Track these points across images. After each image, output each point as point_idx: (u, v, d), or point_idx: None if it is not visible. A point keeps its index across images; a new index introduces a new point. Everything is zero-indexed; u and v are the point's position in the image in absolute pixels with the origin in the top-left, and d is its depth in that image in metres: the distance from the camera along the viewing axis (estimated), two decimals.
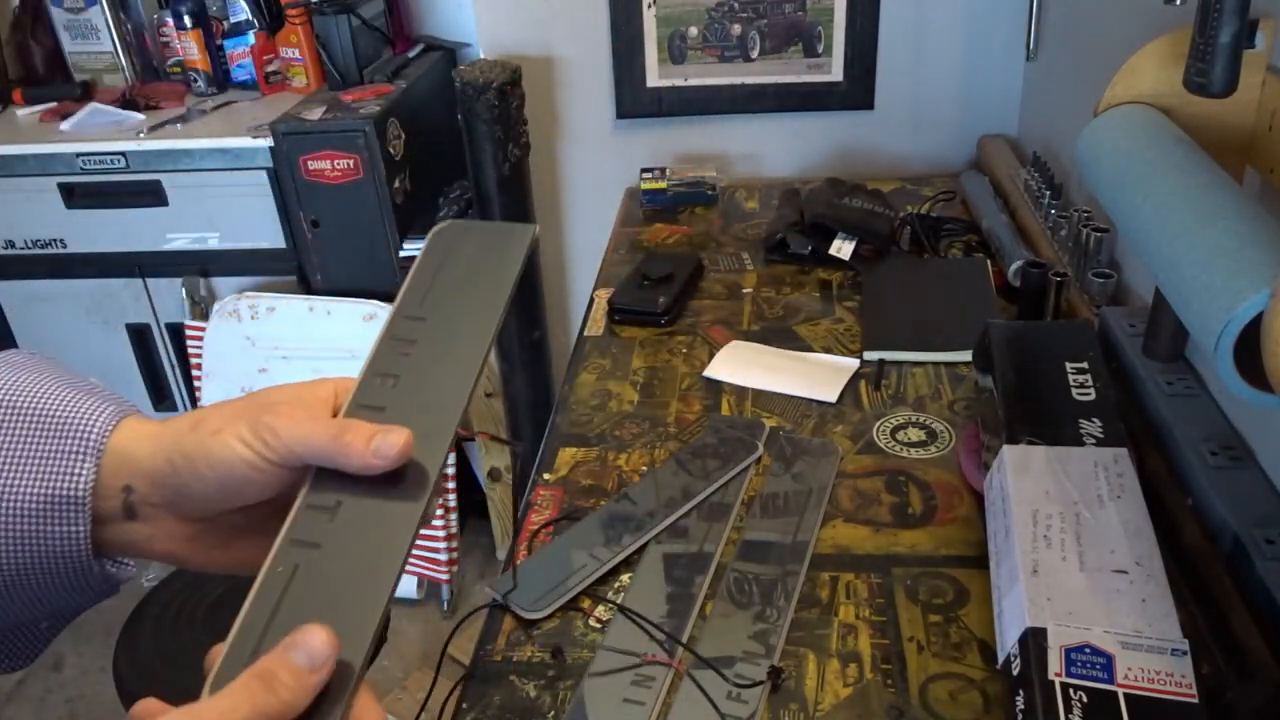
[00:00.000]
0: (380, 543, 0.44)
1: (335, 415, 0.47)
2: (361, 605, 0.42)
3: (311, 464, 0.46)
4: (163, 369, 2.25)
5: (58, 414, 0.45)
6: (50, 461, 0.44)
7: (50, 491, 0.44)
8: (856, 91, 1.71)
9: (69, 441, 0.45)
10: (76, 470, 0.44)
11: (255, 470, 0.45)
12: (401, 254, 1.93)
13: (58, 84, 2.23)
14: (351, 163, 1.84)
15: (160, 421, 0.47)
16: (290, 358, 2.00)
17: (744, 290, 1.33)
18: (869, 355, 1.15)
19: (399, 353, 0.51)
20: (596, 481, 0.98)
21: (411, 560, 2.10)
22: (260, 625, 0.42)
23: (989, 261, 1.32)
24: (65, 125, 1.99)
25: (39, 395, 0.46)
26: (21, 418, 0.45)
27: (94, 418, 0.46)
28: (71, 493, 0.44)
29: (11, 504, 0.44)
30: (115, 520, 0.46)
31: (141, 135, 1.93)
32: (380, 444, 0.45)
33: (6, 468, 0.44)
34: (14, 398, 0.45)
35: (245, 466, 0.45)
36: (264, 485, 0.46)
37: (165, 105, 2.10)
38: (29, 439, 0.45)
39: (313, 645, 0.39)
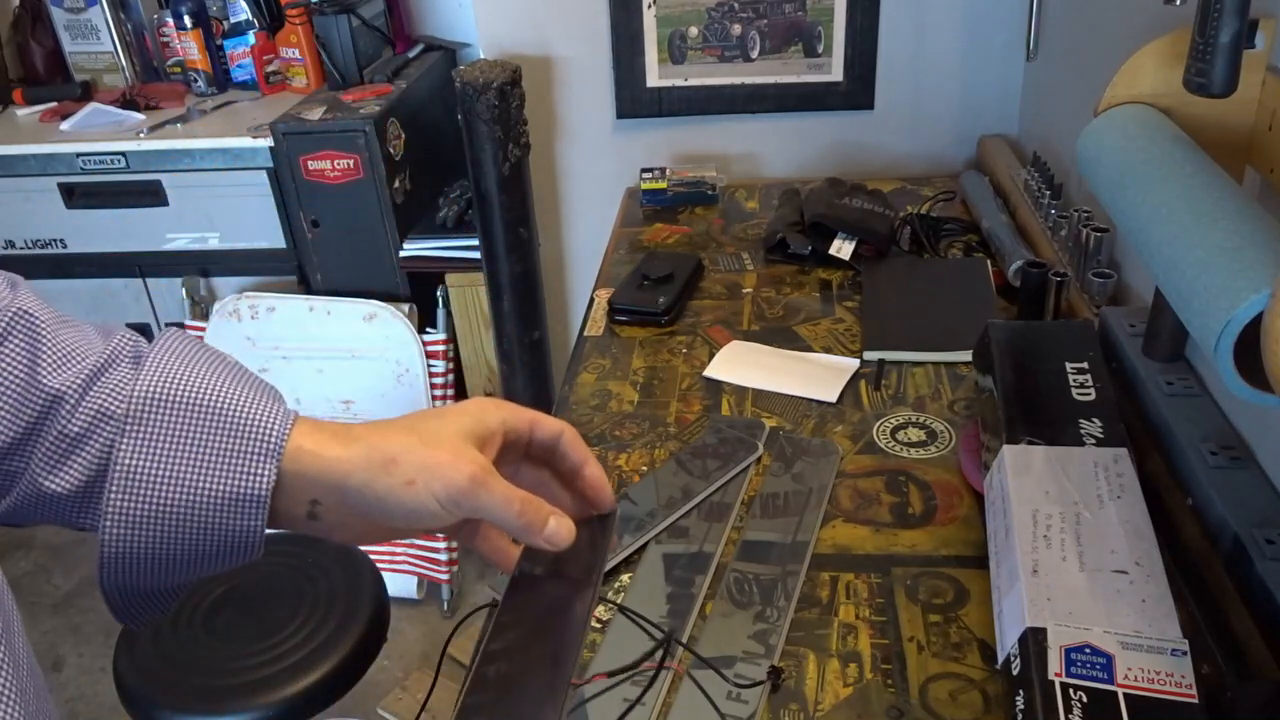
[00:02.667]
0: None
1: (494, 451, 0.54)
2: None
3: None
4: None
5: (237, 413, 0.48)
6: (232, 459, 0.48)
7: (236, 490, 0.47)
8: (856, 91, 1.71)
9: (251, 443, 0.48)
10: (259, 471, 0.48)
11: (440, 518, 0.50)
12: (401, 254, 1.93)
13: (58, 84, 2.23)
14: (351, 163, 1.84)
15: (338, 436, 0.50)
16: (290, 358, 2.00)
17: (744, 290, 1.33)
18: (869, 355, 1.15)
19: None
20: None
21: (411, 560, 2.10)
22: None
23: (989, 261, 1.32)
24: (65, 125, 1.99)
25: (215, 392, 0.49)
26: (204, 415, 0.48)
27: (272, 420, 0.49)
28: (255, 492, 0.48)
29: (201, 498, 0.47)
30: (298, 521, 0.51)
31: (141, 135, 1.93)
32: (552, 533, 0.52)
33: (196, 464, 0.47)
34: (193, 394, 0.48)
35: (432, 517, 0.50)
36: (446, 522, 0.51)
37: (165, 105, 2.10)
38: (214, 438, 0.48)
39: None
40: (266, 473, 0.48)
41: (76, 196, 1.98)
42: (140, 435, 0.47)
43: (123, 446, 0.46)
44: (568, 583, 0.55)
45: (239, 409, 0.48)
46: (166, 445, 0.47)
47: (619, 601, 0.83)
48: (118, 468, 0.46)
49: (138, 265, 2.05)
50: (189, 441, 0.47)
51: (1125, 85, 0.88)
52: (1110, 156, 0.85)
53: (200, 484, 0.47)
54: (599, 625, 0.81)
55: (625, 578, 0.86)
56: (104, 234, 2.01)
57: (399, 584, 2.11)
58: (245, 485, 0.47)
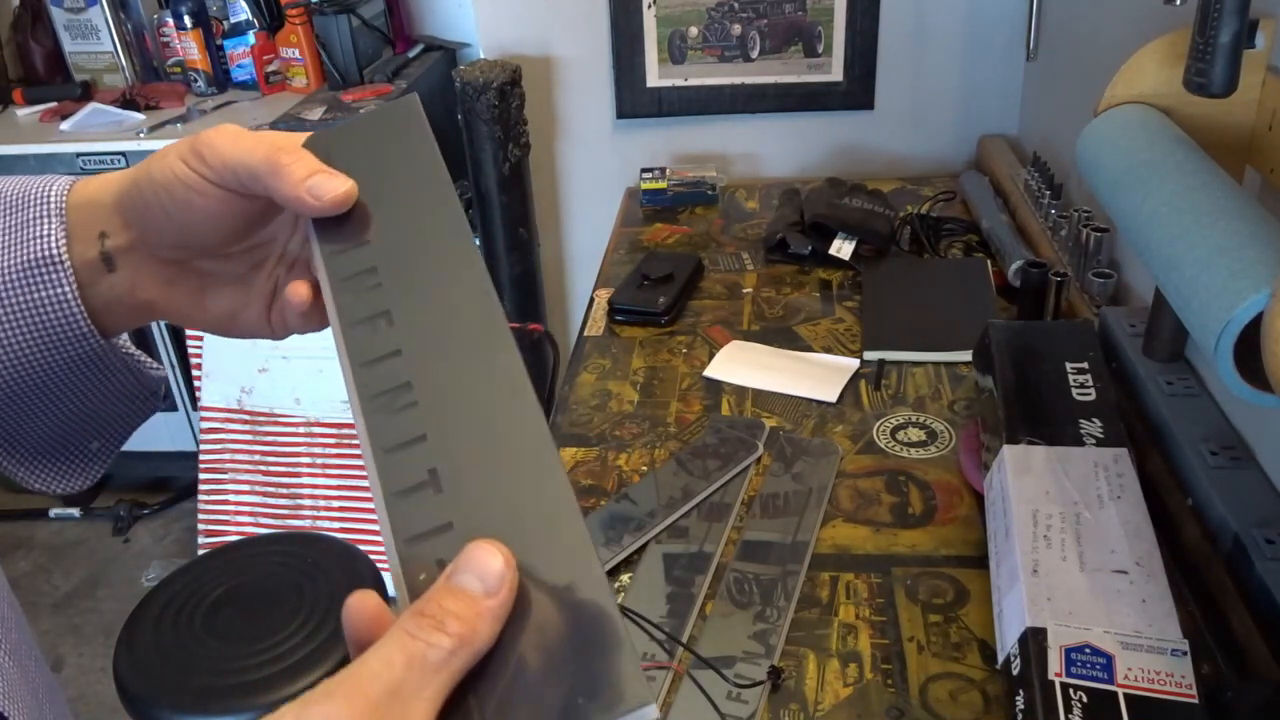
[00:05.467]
0: (503, 414, 0.36)
1: None
2: (533, 494, 0.34)
3: (251, 190, 0.43)
4: (163, 369, 2.25)
5: (10, 194, 0.45)
6: (16, 233, 0.44)
7: (25, 258, 0.44)
8: (856, 91, 1.71)
9: (29, 211, 0.44)
10: (44, 232, 0.44)
11: (195, 192, 0.43)
12: None
13: (58, 84, 2.23)
14: None
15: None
16: (290, 358, 2.00)
17: (744, 290, 1.33)
18: (869, 355, 1.15)
19: (366, 288, 0.41)
20: (596, 481, 0.98)
21: None
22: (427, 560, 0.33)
23: (989, 261, 1.32)
24: (65, 125, 1.99)
25: None
26: None
27: (48, 186, 0.45)
28: (46, 253, 0.44)
29: None
30: (98, 276, 0.46)
31: (141, 135, 1.93)
32: (315, 183, 0.42)
33: None
34: None
35: (184, 187, 0.43)
36: (208, 211, 0.44)
37: (165, 105, 2.10)
38: None
39: (483, 565, 0.32)
40: (53, 231, 0.44)
41: None
42: None
43: None
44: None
45: (12, 190, 0.45)
46: None
47: (619, 601, 0.83)
48: None
49: None
50: None
51: (1125, 85, 0.88)
52: (1110, 156, 0.85)
53: None
54: None
55: (625, 578, 0.86)
56: None
57: None
58: (34, 250, 0.44)
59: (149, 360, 0.51)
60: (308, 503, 2.08)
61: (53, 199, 0.45)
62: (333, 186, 0.42)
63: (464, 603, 0.31)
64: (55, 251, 0.44)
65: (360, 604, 0.32)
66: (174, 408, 2.31)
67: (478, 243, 1.77)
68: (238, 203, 0.44)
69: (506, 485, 0.34)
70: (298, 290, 0.46)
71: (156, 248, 0.46)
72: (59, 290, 0.44)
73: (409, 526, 0.34)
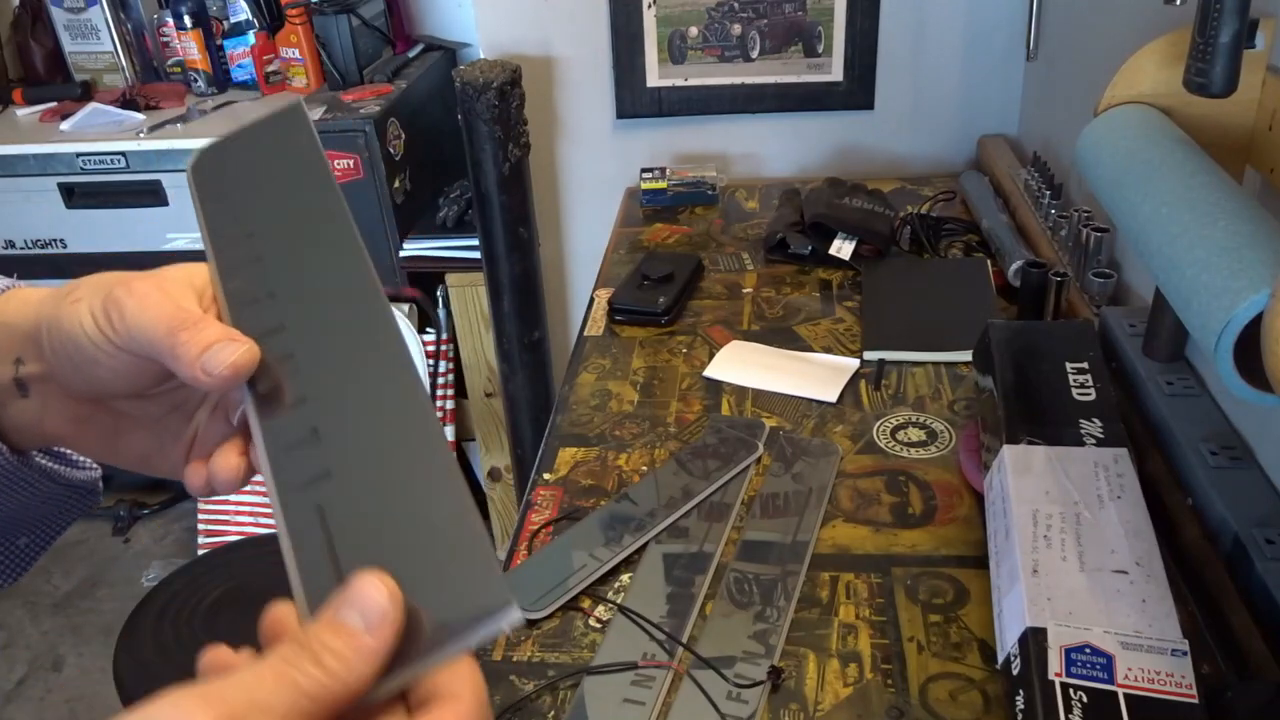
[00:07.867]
0: (401, 437, 0.36)
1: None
2: (430, 527, 0.34)
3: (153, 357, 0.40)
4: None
5: None
6: None
7: None
8: (856, 91, 1.71)
9: None
10: None
11: (101, 352, 0.40)
12: (401, 254, 1.93)
13: (58, 84, 2.23)
14: (351, 163, 1.84)
15: (58, 288, 0.43)
16: None
17: (744, 290, 1.33)
18: (869, 355, 1.15)
19: (253, 275, 0.42)
20: (596, 481, 0.98)
21: None
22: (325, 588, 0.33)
23: (989, 261, 1.32)
24: (65, 125, 1.99)
25: None
26: None
27: None
28: None
29: None
30: (10, 397, 0.44)
31: (141, 135, 1.93)
32: (210, 358, 0.38)
33: None
34: None
35: (90, 345, 0.40)
36: (116, 371, 0.41)
37: (165, 105, 2.10)
38: None
39: (366, 600, 0.31)
40: None
41: (76, 196, 1.98)
42: None
43: None
44: None
45: None
46: None
47: (619, 601, 0.83)
48: None
49: (138, 265, 2.04)
50: None
51: (1125, 85, 0.88)
52: (1110, 156, 0.85)
53: None
54: (599, 625, 0.81)
55: (625, 578, 0.86)
56: (104, 234, 2.01)
57: None
58: None
59: (81, 459, 0.49)
60: None
61: None
62: (223, 359, 0.39)
63: (343, 639, 0.31)
64: None
65: (274, 614, 0.33)
66: None
67: (477, 241, 1.78)
68: (147, 363, 0.41)
69: (380, 433, 0.36)
70: (228, 462, 0.43)
71: (68, 387, 0.44)
72: None
73: (291, 478, 0.36)
